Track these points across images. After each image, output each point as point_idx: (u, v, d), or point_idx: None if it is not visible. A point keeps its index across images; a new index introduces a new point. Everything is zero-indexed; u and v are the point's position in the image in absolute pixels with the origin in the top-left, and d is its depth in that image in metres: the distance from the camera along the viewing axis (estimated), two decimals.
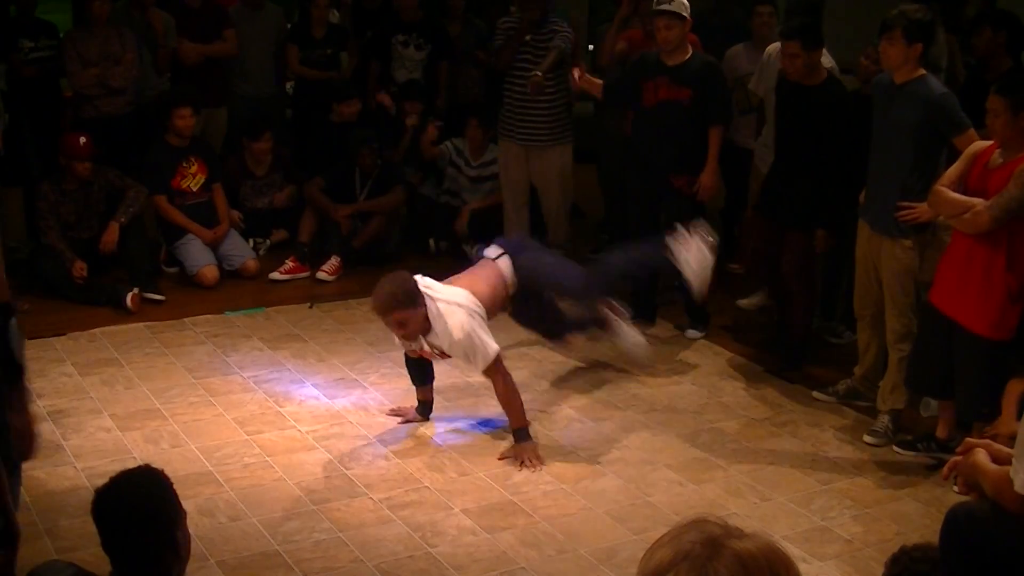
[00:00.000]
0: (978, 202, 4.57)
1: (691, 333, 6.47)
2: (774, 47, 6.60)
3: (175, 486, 4.69)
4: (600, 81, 6.48)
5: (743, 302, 6.89)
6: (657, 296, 6.66)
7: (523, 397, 5.55)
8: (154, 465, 4.83)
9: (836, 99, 5.74)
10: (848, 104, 5.77)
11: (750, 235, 6.31)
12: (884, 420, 5.27)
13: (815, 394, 5.66)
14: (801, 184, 5.77)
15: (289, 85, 8.48)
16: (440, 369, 5.88)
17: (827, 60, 6.23)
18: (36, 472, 4.60)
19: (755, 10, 7.15)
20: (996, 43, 6.24)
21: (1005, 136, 4.55)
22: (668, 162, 6.20)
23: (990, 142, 4.70)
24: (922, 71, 5.02)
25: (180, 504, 2.70)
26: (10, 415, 3.25)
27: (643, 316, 6.58)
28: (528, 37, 7.08)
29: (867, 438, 5.24)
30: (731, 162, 6.80)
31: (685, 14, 6.02)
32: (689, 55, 6.16)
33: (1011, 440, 3.21)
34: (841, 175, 5.69)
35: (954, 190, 4.71)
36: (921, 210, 4.97)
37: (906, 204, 5.02)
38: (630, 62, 6.53)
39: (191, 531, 4.20)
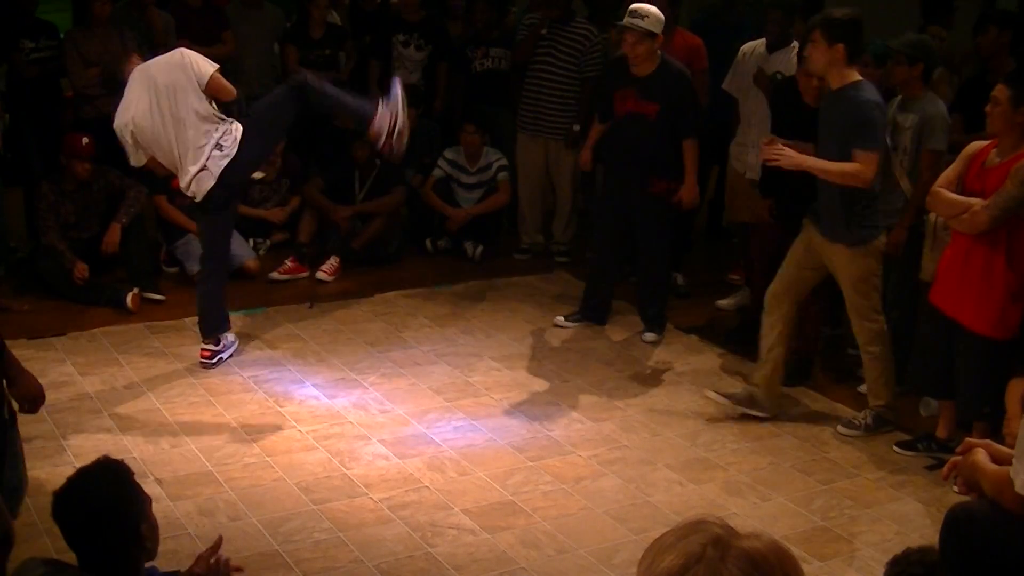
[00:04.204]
0: (976, 202, 4.58)
1: (647, 336, 6.37)
2: (749, 46, 6.61)
3: (175, 486, 4.71)
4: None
5: (722, 303, 6.92)
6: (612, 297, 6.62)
7: (523, 397, 5.59)
8: (152, 464, 4.85)
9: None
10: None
11: (761, 243, 6.21)
12: (866, 415, 5.28)
13: (714, 394, 5.53)
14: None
15: None
16: (440, 369, 5.89)
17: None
18: (36, 472, 4.60)
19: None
20: (1001, 43, 6.23)
21: (1000, 127, 4.57)
22: (639, 173, 6.10)
23: (987, 142, 4.72)
24: (856, 77, 4.96)
25: (142, 494, 2.68)
26: (10, 388, 3.58)
27: (593, 317, 6.54)
28: (544, 31, 7.23)
29: (841, 429, 5.27)
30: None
31: (656, 31, 5.84)
32: (657, 66, 5.99)
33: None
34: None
35: (952, 190, 4.72)
36: (786, 156, 4.99)
37: (773, 154, 5.04)
38: (604, 70, 6.46)
39: (191, 531, 4.23)
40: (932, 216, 5.02)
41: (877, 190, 5.07)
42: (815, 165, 5.02)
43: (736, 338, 6.33)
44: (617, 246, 6.45)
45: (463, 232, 7.66)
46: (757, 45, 6.54)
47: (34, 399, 3.66)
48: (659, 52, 6.01)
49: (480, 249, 7.58)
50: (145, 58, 7.11)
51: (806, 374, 5.91)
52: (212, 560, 2.99)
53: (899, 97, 5.44)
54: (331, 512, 4.46)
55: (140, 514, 2.62)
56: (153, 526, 2.68)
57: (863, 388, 5.69)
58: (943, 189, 4.73)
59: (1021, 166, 4.47)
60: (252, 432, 5.11)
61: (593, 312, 6.54)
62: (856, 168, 4.91)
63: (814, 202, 5.28)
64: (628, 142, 6.14)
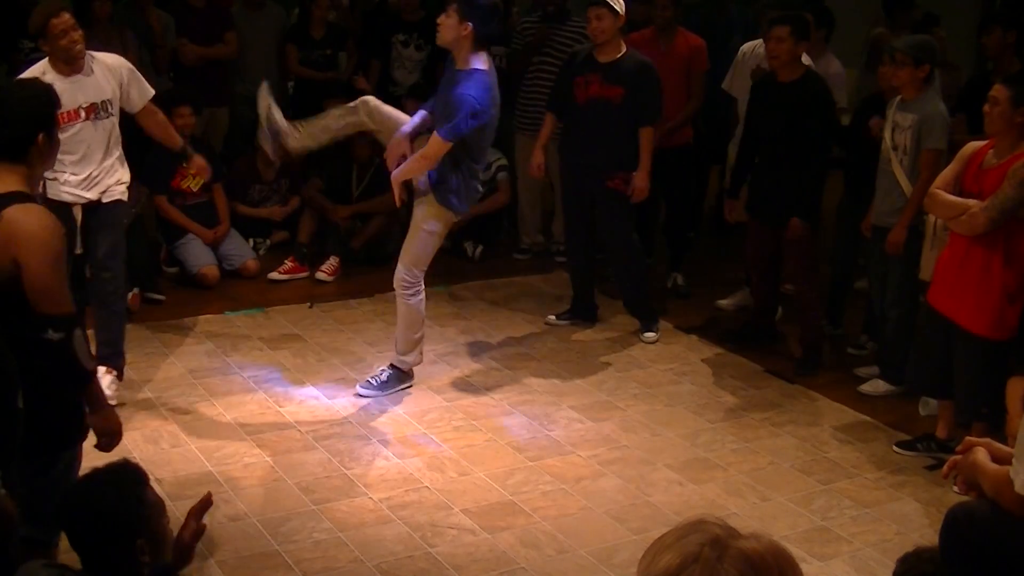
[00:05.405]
0: (974, 203, 4.58)
1: (647, 336, 6.37)
2: (749, 45, 6.62)
3: (175, 486, 4.70)
4: None
5: (723, 302, 6.92)
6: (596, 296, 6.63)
7: (523, 397, 5.58)
8: (152, 464, 4.83)
9: (814, 93, 5.71)
10: (826, 98, 5.75)
11: (754, 242, 6.21)
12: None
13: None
14: (786, 182, 5.75)
15: (290, 85, 8.46)
16: (440, 370, 5.89)
17: (805, 59, 6.24)
18: None
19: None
20: (1006, 43, 6.22)
21: (998, 127, 4.56)
22: (600, 162, 6.07)
23: (983, 143, 4.71)
24: (479, 66, 5.11)
25: (149, 505, 2.62)
26: (89, 417, 3.38)
27: (582, 316, 6.52)
28: (539, 39, 7.28)
29: (360, 389, 5.52)
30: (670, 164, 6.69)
31: (617, 8, 5.88)
32: (622, 53, 6.02)
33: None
34: (820, 168, 5.72)
35: (949, 191, 4.72)
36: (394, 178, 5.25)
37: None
38: (565, 62, 6.46)
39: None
40: (931, 216, 5.02)
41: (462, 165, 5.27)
42: (411, 167, 5.23)
43: (736, 338, 6.33)
44: (588, 243, 6.44)
45: (463, 232, 7.65)
46: (756, 45, 6.56)
47: (111, 434, 3.44)
48: (623, 42, 6.06)
49: (480, 249, 7.58)
50: (142, 58, 7.15)
51: (813, 368, 5.92)
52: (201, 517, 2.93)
53: (898, 97, 5.44)
54: (331, 512, 4.46)
55: (142, 526, 2.57)
56: (158, 538, 2.62)
57: (863, 388, 5.70)
58: (940, 191, 4.73)
59: (1018, 167, 4.47)
60: (252, 432, 5.11)
61: (582, 311, 6.55)
62: (428, 149, 5.16)
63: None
64: (589, 130, 6.08)
